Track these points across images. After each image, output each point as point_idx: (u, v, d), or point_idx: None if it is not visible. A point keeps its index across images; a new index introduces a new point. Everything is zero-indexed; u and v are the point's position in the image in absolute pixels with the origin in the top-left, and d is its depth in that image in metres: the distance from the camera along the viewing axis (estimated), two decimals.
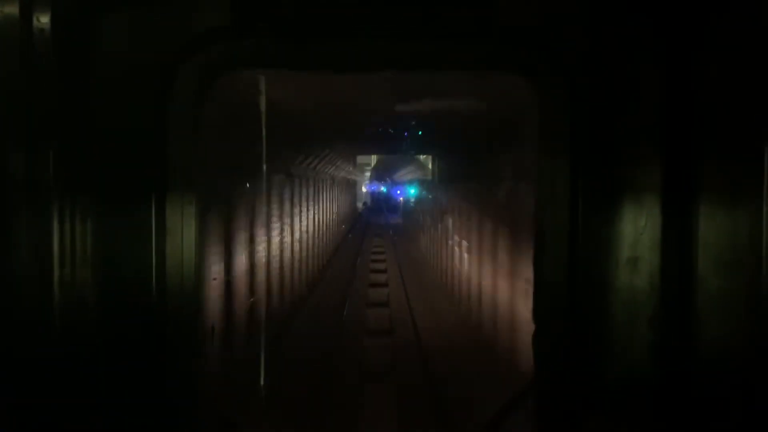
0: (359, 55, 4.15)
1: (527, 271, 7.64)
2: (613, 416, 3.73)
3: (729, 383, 3.19)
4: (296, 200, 15.72)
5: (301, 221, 16.62)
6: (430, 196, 28.51)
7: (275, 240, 12.37)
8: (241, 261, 9.02)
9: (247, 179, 9.52)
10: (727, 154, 3.24)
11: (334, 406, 10.04)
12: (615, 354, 3.70)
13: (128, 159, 3.69)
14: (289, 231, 14.53)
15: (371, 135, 16.66)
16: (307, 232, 18.16)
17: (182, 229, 3.90)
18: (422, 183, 37.14)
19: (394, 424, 9.56)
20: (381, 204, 71.19)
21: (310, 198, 19.02)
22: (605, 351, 3.71)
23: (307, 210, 18.34)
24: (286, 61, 4.26)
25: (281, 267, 13.11)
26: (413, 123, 13.32)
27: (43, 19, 3.32)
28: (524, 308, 8.17)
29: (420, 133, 15.33)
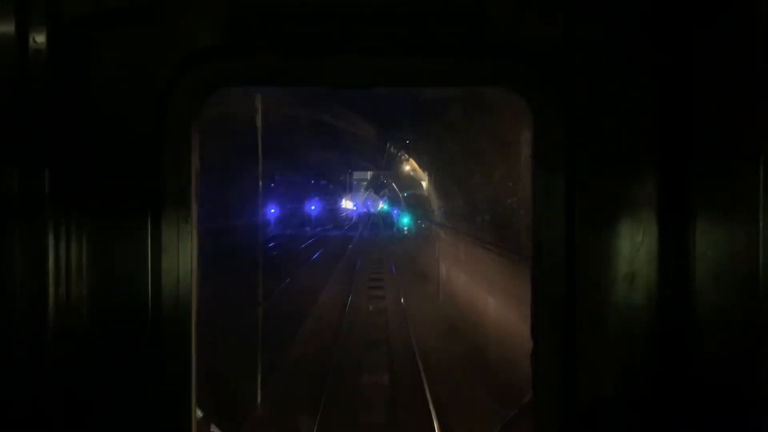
0: (355, 71, 4.16)
1: None
2: None
3: (729, 396, 3.18)
4: None
5: None
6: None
7: None
8: None
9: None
10: (723, 168, 3.25)
11: None
12: (614, 369, 3.69)
13: (124, 176, 3.69)
14: None
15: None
16: None
17: (178, 247, 3.88)
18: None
19: None
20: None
21: None
22: (604, 367, 3.70)
23: None
24: (281, 77, 4.28)
25: None
26: None
27: (39, 39, 3.33)
28: None
29: None
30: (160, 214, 3.78)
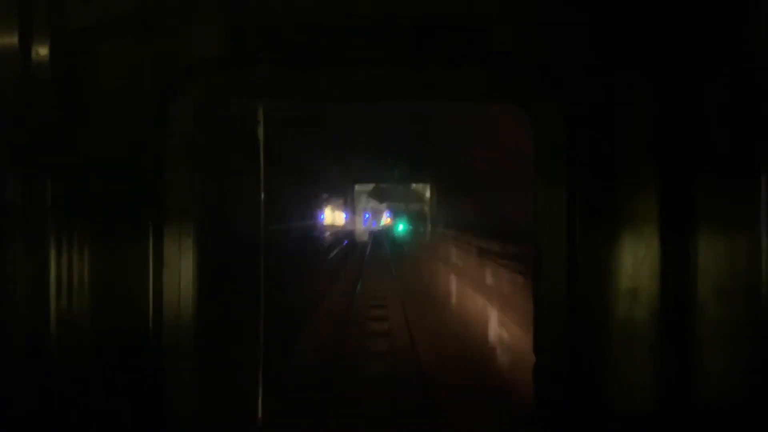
0: (355, 84, 4.17)
1: None
2: None
3: (730, 411, 3.16)
4: None
5: None
6: None
7: None
8: None
9: None
10: (723, 183, 3.25)
11: None
12: (616, 384, 3.67)
13: (125, 189, 3.69)
14: None
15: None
16: None
17: (180, 261, 3.88)
18: None
19: None
20: None
21: None
22: (606, 381, 3.68)
23: None
24: (282, 90, 4.28)
25: None
26: None
27: (42, 51, 3.34)
28: None
29: None
30: (162, 227, 3.78)
